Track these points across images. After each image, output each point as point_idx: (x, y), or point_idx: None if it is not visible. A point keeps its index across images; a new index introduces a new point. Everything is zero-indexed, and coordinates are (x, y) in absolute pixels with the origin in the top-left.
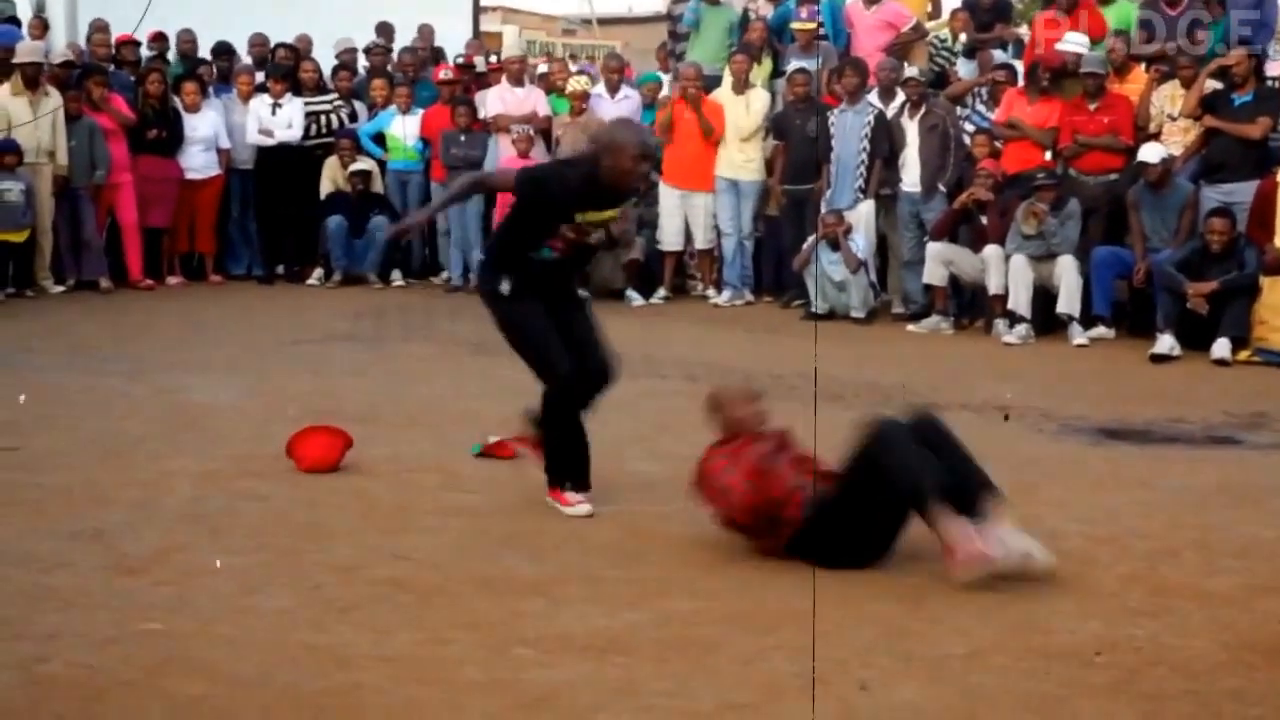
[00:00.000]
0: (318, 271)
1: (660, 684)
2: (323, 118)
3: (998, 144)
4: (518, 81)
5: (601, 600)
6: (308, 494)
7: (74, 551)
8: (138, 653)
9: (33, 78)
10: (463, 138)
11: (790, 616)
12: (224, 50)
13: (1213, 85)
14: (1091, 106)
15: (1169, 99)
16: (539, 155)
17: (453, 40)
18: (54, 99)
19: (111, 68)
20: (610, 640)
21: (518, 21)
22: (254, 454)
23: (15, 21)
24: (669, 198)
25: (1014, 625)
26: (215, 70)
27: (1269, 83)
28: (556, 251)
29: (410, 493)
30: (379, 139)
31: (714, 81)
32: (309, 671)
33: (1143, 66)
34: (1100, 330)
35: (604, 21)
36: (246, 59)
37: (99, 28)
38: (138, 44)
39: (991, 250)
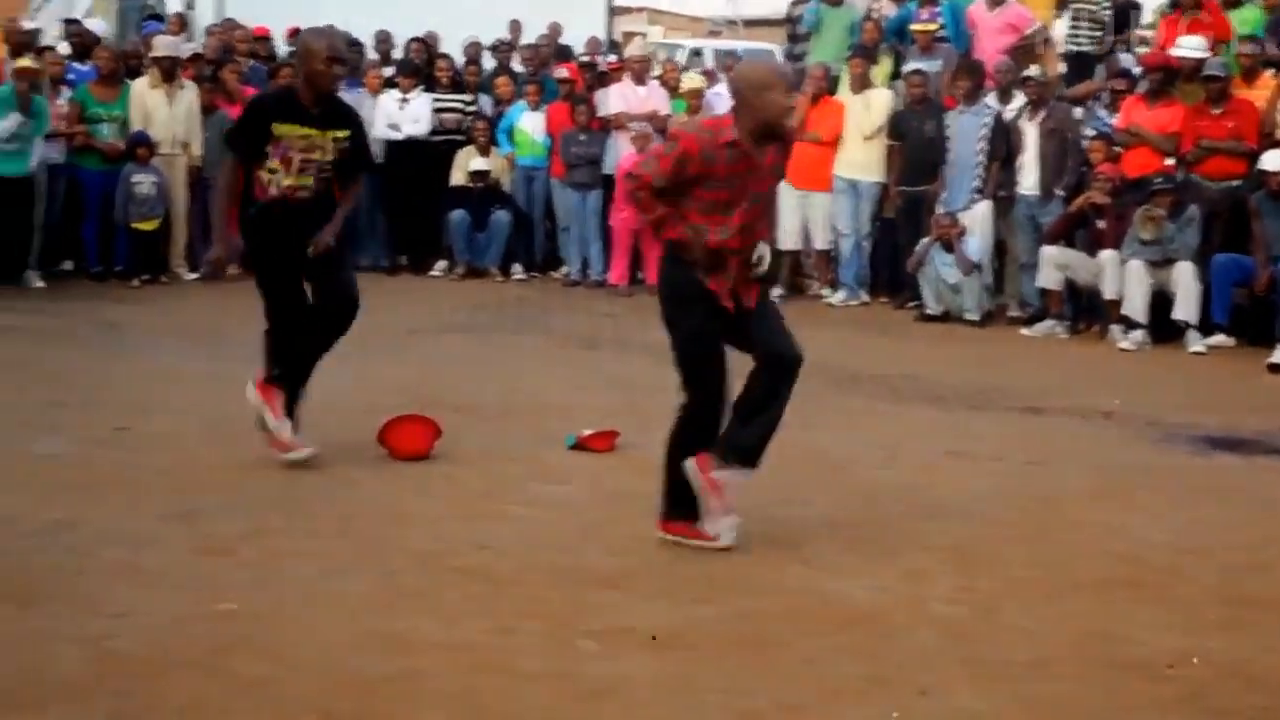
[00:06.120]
0: (441, 263)
1: (718, 680)
2: (457, 116)
3: (1116, 149)
4: (640, 80)
5: (671, 594)
6: (398, 481)
7: (164, 531)
8: (208, 633)
9: (169, 71)
10: (582, 136)
11: (859, 618)
12: (352, 44)
13: None
14: (1215, 111)
15: None
16: None
17: (583, 40)
18: (190, 91)
19: (251, 62)
20: (674, 634)
21: (663, 22)
22: (351, 441)
23: (159, 18)
24: (788, 197)
25: (1086, 635)
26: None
27: None
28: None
29: (499, 482)
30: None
31: (834, 82)
32: (372, 657)
33: (1270, 72)
34: (1219, 338)
35: (749, 23)
36: (373, 54)
37: (238, 24)
38: (271, 40)
39: (1107, 255)
